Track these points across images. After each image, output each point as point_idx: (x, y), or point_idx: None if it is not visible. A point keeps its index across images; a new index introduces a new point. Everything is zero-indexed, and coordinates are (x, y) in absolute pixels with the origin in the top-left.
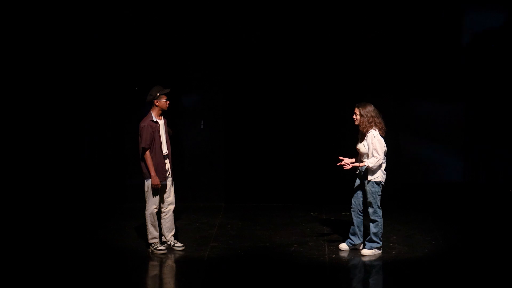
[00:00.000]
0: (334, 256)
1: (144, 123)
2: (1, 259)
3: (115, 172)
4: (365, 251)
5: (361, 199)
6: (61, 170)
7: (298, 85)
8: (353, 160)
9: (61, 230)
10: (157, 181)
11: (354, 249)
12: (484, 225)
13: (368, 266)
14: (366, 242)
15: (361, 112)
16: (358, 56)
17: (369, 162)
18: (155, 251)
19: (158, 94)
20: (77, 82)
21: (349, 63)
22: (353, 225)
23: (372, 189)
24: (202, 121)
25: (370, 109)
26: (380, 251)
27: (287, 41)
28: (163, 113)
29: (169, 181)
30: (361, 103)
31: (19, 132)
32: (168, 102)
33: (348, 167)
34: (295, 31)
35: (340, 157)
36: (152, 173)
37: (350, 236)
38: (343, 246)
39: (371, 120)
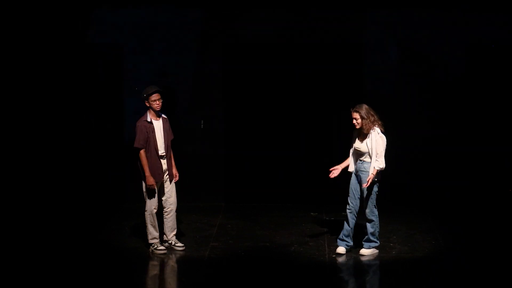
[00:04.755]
0: (334, 256)
1: (138, 123)
2: (1, 259)
3: (115, 172)
4: (364, 251)
5: (359, 199)
6: (61, 170)
7: (299, 85)
8: (344, 165)
9: (61, 230)
10: (151, 181)
11: (353, 250)
12: (484, 225)
13: (368, 266)
14: (364, 242)
15: (361, 114)
16: (356, 57)
17: (377, 165)
18: (155, 251)
19: (145, 95)
20: (77, 82)
21: (348, 64)
22: (349, 227)
23: (371, 188)
24: (202, 121)
25: (367, 108)
26: (377, 250)
27: (287, 41)
28: (166, 114)
29: (169, 182)
30: (356, 106)
31: (19, 132)
32: (158, 102)
33: (336, 174)
34: (294, 31)
35: (331, 169)
36: (146, 173)
37: (345, 238)
38: (341, 249)
39: (372, 119)
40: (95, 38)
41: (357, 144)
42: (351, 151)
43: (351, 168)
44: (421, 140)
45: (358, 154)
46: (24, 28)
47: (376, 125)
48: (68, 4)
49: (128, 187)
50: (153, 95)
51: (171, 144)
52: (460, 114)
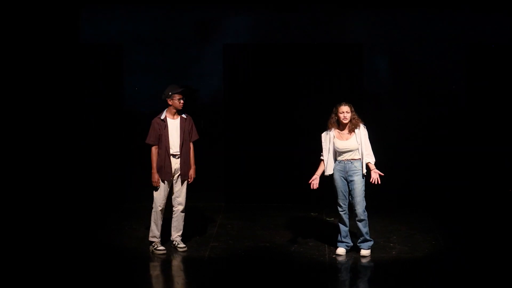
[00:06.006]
0: (334, 256)
1: (153, 120)
2: (1, 259)
3: (115, 172)
4: (364, 252)
5: (348, 199)
6: (61, 170)
7: (299, 84)
8: (319, 172)
9: (61, 230)
10: (155, 177)
11: (353, 250)
12: (484, 225)
13: (368, 266)
14: (362, 244)
15: (351, 108)
16: (355, 58)
17: (373, 160)
18: (155, 251)
19: (170, 93)
20: (77, 81)
21: (347, 65)
22: (346, 227)
23: (363, 186)
24: (202, 121)
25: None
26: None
27: (287, 41)
28: (189, 113)
29: (180, 182)
30: (343, 102)
31: (19, 132)
32: (182, 101)
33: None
34: (294, 31)
35: (310, 181)
36: (153, 169)
37: (344, 239)
38: (342, 250)
39: (357, 115)
40: (95, 38)
41: (341, 144)
42: (326, 154)
43: (329, 171)
44: (421, 140)
45: (342, 154)
46: (23, 28)
47: (361, 122)
48: (69, 4)
49: (128, 187)
50: (178, 94)
51: (192, 145)
52: (460, 114)
